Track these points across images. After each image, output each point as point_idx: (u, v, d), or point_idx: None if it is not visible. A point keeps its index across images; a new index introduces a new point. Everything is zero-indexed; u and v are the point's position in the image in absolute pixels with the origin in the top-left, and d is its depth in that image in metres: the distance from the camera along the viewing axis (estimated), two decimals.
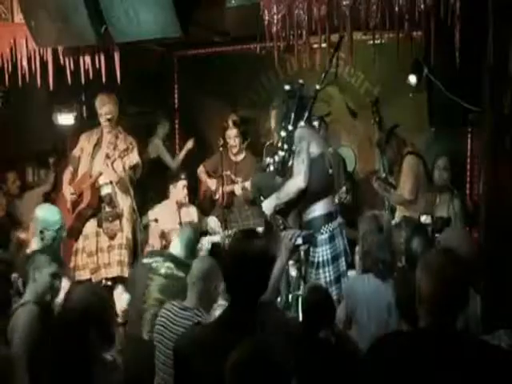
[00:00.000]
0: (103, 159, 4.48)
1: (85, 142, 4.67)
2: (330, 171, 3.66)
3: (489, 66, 2.84)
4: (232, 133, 5.10)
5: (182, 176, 4.97)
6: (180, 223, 4.69)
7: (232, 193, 5.09)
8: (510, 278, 2.72)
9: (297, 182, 3.50)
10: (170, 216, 4.77)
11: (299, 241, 2.98)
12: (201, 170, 5.39)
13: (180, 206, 4.87)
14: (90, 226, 4.54)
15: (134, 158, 4.50)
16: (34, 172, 5.64)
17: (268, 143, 4.91)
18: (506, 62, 2.76)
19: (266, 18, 3.22)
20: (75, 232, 4.53)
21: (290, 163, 3.58)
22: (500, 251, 2.83)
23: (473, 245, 2.97)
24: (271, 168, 3.74)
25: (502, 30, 2.78)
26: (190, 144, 5.73)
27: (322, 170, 3.59)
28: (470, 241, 3.06)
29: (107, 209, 4.54)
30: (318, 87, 3.67)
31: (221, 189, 4.96)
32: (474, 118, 3.34)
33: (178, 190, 4.86)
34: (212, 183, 5.21)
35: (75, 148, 4.72)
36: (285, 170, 3.63)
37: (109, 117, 4.54)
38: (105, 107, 4.55)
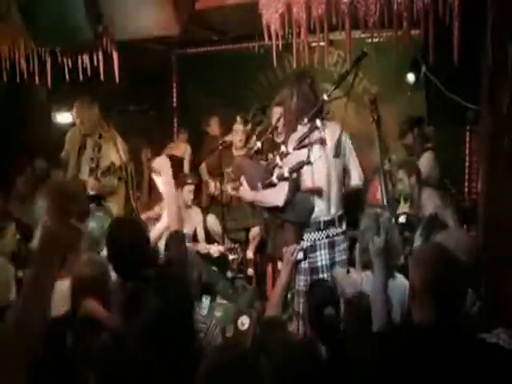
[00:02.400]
0: (88, 163, 4.51)
1: (70, 144, 4.70)
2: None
3: (487, 65, 2.84)
4: (239, 127, 5.11)
5: (189, 181, 4.99)
6: None
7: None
8: (508, 277, 2.72)
9: (278, 197, 3.18)
10: None
11: (300, 256, 2.96)
12: (202, 168, 5.41)
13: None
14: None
15: (116, 160, 4.49)
16: (33, 173, 5.61)
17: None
18: (505, 61, 2.75)
19: (265, 16, 3.22)
20: None
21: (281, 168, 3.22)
22: (498, 250, 2.83)
23: (471, 245, 2.96)
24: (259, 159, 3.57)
25: (500, 28, 2.78)
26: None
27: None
28: (467, 241, 3.06)
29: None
30: (325, 98, 3.27)
31: (220, 187, 4.97)
32: (472, 116, 3.34)
33: (185, 193, 4.88)
34: (212, 185, 5.23)
35: (62, 151, 4.75)
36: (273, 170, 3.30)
37: (84, 123, 4.60)
38: (78, 114, 4.61)
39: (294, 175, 3.16)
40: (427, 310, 1.77)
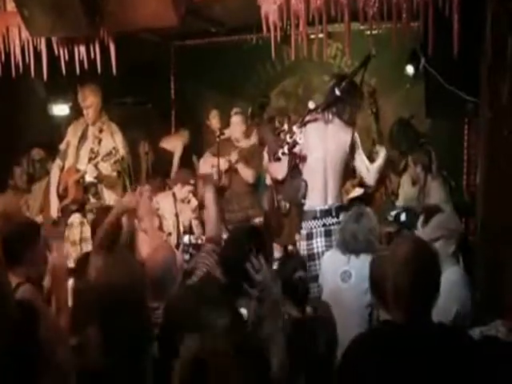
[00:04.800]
0: (88, 153, 4.51)
1: (70, 136, 4.69)
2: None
3: (486, 56, 2.83)
4: (237, 119, 5.08)
5: (192, 181, 4.95)
6: (176, 214, 4.70)
7: (230, 173, 5.02)
8: (507, 269, 2.73)
9: (279, 171, 3.70)
10: (169, 205, 4.79)
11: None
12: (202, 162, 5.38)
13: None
14: (75, 215, 4.55)
15: (118, 153, 4.47)
16: (29, 165, 5.60)
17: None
18: (503, 52, 2.75)
19: (263, 7, 3.20)
20: (62, 223, 4.55)
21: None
22: (497, 242, 2.84)
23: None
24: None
25: (499, 20, 2.77)
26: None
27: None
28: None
29: (92, 200, 4.54)
30: (337, 93, 3.53)
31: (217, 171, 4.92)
32: (471, 108, 3.33)
33: (184, 192, 4.86)
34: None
35: (62, 142, 4.73)
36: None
37: (90, 109, 4.56)
38: (85, 100, 4.55)
39: (296, 150, 3.53)
40: (409, 308, 1.72)
